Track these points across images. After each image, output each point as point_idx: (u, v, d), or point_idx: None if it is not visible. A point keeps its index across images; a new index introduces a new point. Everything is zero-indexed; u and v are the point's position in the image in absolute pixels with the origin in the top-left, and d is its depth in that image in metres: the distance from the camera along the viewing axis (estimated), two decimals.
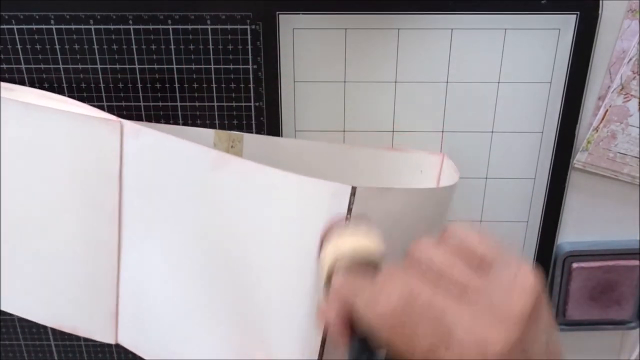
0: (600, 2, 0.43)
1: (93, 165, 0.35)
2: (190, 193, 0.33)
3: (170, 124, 0.47)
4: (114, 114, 0.47)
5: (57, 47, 0.45)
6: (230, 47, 0.45)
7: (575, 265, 0.51)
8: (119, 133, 0.35)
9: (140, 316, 0.38)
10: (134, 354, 0.57)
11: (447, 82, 0.46)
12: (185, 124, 0.47)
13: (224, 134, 0.45)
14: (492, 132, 0.47)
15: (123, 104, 0.46)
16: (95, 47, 0.45)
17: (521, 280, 0.22)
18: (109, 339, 0.39)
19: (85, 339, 0.57)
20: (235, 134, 0.45)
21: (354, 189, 0.28)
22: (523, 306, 0.21)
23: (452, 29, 0.44)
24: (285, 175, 0.30)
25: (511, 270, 0.23)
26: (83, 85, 0.46)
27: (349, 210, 0.28)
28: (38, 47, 0.45)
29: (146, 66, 0.45)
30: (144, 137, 0.34)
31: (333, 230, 0.29)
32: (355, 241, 0.27)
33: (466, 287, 0.23)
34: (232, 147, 0.45)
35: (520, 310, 0.21)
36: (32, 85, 0.46)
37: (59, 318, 0.39)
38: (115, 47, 0.45)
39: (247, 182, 0.31)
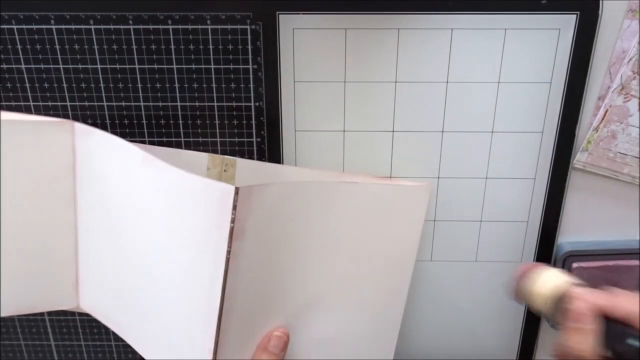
0: (600, 2, 0.43)
1: (51, 160, 0.41)
2: (122, 183, 0.39)
3: (170, 123, 0.47)
4: (114, 113, 0.47)
5: (57, 47, 0.45)
6: (230, 47, 0.45)
7: (575, 265, 0.51)
8: (71, 132, 0.41)
9: (94, 283, 0.44)
10: (133, 354, 0.57)
11: (447, 82, 0.46)
12: (185, 124, 0.47)
13: (218, 158, 0.46)
14: (492, 132, 0.47)
15: (123, 104, 0.47)
16: (95, 47, 0.45)
17: None
18: (72, 305, 0.45)
19: (85, 339, 0.57)
20: (228, 158, 0.46)
21: (237, 189, 0.31)
22: None
23: (452, 29, 0.44)
24: (186, 175, 0.34)
25: None
26: (83, 85, 0.46)
27: (234, 207, 0.31)
28: (38, 47, 0.45)
29: (146, 66, 0.45)
30: (94, 137, 0.40)
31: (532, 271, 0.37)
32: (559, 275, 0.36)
33: None
34: (225, 170, 0.46)
35: None
36: (32, 85, 0.46)
37: (18, 303, 0.44)
38: (115, 47, 0.45)
39: (161, 179, 0.35)
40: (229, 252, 0.31)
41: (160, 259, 0.37)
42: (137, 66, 0.45)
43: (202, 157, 0.46)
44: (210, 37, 0.44)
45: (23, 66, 0.45)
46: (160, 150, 0.46)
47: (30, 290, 0.45)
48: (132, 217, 0.38)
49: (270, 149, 0.48)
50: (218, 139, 0.48)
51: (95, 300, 0.45)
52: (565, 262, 0.51)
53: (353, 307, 0.41)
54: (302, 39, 0.44)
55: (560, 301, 0.34)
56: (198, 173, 0.45)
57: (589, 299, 0.33)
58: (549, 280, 0.35)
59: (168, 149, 0.46)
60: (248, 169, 0.47)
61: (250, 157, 0.49)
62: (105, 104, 0.47)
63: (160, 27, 0.44)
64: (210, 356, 0.33)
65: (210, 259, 0.33)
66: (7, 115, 0.41)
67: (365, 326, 0.42)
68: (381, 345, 0.45)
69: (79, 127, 0.41)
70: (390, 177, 0.49)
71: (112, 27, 0.44)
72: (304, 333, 0.39)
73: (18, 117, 0.42)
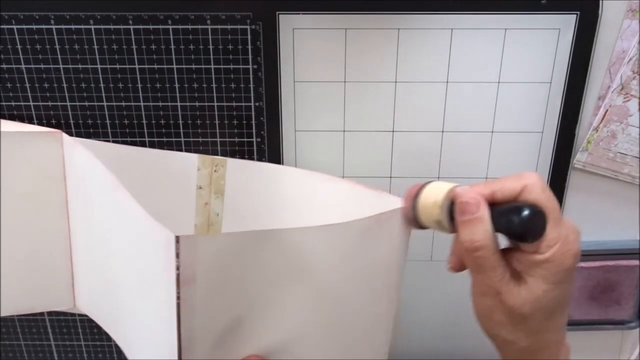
0: (600, 2, 0.43)
1: (43, 170, 0.43)
2: (100, 199, 0.40)
3: (170, 124, 0.47)
4: (114, 113, 0.47)
5: (57, 47, 0.45)
6: (230, 47, 0.45)
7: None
8: (60, 141, 0.42)
9: (87, 285, 0.45)
10: None
11: (447, 82, 0.46)
12: (185, 124, 0.47)
13: (208, 158, 0.46)
14: (492, 132, 0.47)
15: (123, 104, 0.47)
16: (95, 47, 0.45)
17: None
18: (69, 306, 0.46)
19: (85, 339, 0.57)
20: (218, 158, 0.46)
21: (177, 238, 0.30)
22: None
23: (452, 29, 0.44)
24: (141, 213, 0.33)
25: None
26: (83, 85, 0.46)
27: (177, 255, 0.30)
28: (38, 47, 0.45)
29: (146, 66, 0.45)
30: (77, 149, 0.41)
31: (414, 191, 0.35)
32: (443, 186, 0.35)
33: None
34: (215, 171, 0.46)
35: None
36: (32, 85, 0.46)
37: (16, 304, 0.46)
38: (115, 47, 0.45)
39: (125, 209, 0.35)
40: (178, 298, 0.31)
41: (129, 284, 0.38)
42: (137, 66, 0.45)
43: (192, 159, 0.46)
44: (210, 37, 0.44)
45: (23, 66, 0.45)
46: (150, 153, 0.46)
47: (29, 292, 0.46)
48: (108, 234, 0.39)
49: (270, 149, 0.48)
50: (218, 139, 0.48)
51: (89, 300, 0.46)
52: None
53: (334, 342, 0.40)
54: (302, 39, 0.44)
55: (449, 203, 0.34)
56: (188, 175, 0.45)
57: (474, 190, 0.32)
58: (435, 189, 0.34)
59: (158, 152, 0.46)
60: (239, 168, 0.46)
61: (250, 157, 0.49)
62: (105, 104, 0.47)
63: (160, 27, 0.44)
64: None
65: (165, 299, 0.32)
66: None
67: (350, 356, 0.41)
68: None
69: (66, 138, 0.42)
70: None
71: (112, 27, 0.44)
72: None
73: (9, 128, 0.43)
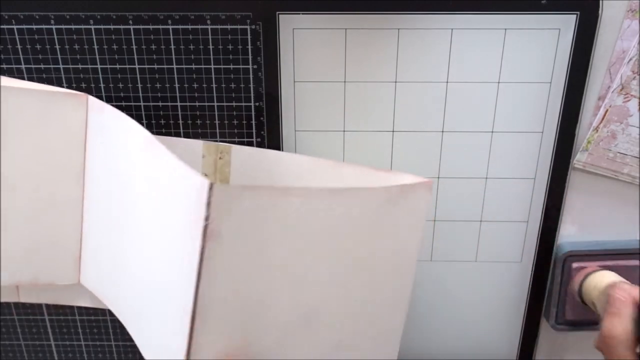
0: (600, 2, 0.43)
1: (64, 132, 0.41)
2: (125, 163, 0.38)
3: (170, 123, 0.47)
4: None
5: (57, 47, 0.45)
6: (230, 47, 0.45)
7: (575, 265, 0.51)
8: (85, 106, 0.41)
9: (95, 259, 0.44)
10: (134, 354, 0.57)
11: (447, 82, 0.46)
12: (185, 124, 0.47)
13: (213, 145, 0.46)
14: (492, 132, 0.47)
15: (123, 104, 0.47)
16: (95, 47, 0.45)
17: None
18: (73, 280, 0.45)
19: (85, 339, 0.57)
20: (223, 145, 0.46)
21: (211, 184, 0.28)
22: None
23: (452, 29, 0.44)
24: (175, 162, 0.32)
25: None
26: (83, 85, 0.46)
27: (208, 203, 0.29)
28: (38, 47, 0.45)
29: (146, 66, 0.45)
30: (105, 113, 0.39)
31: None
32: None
33: None
34: (220, 158, 0.46)
35: None
36: None
37: (19, 273, 0.44)
38: (115, 47, 0.45)
39: (155, 164, 0.34)
40: (202, 252, 0.29)
41: (147, 247, 0.36)
42: (137, 66, 0.45)
43: (196, 146, 0.46)
44: (210, 37, 0.44)
45: (23, 66, 0.45)
46: (159, 139, 0.45)
47: (33, 261, 0.44)
48: (130, 199, 0.38)
49: (270, 149, 0.48)
50: (218, 139, 0.48)
51: (95, 277, 0.44)
52: (565, 262, 0.51)
53: (354, 315, 0.39)
54: (302, 39, 0.44)
55: (607, 291, 0.41)
56: (193, 162, 0.43)
57: (629, 290, 0.38)
58: (601, 276, 0.45)
59: (162, 138, 0.45)
60: (245, 156, 0.46)
61: None
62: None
63: (160, 27, 0.44)
64: (184, 356, 0.32)
65: (186, 256, 0.31)
66: (22, 84, 0.41)
67: (367, 332, 0.41)
68: (384, 350, 0.44)
69: (92, 101, 0.40)
70: (391, 169, 0.49)
71: (112, 27, 0.44)
72: (304, 347, 0.38)
73: (34, 86, 0.41)
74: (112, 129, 0.39)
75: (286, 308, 0.35)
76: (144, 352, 0.38)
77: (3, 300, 0.46)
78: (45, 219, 0.43)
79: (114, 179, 0.40)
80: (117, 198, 0.39)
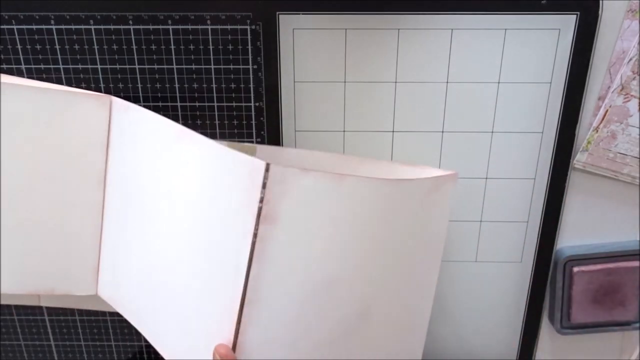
0: (600, 2, 0.43)
1: (86, 135, 0.39)
2: (153, 162, 0.37)
3: None
4: None
5: (57, 47, 0.45)
6: (230, 47, 0.45)
7: (576, 269, 0.50)
8: (108, 107, 0.39)
9: (115, 270, 0.41)
10: (134, 354, 0.57)
11: (447, 82, 0.46)
12: (185, 124, 0.47)
13: (237, 146, 0.45)
14: (492, 132, 0.47)
15: None
16: (95, 47, 0.45)
17: None
18: (90, 291, 0.42)
19: (85, 339, 0.57)
20: (247, 145, 0.45)
21: (267, 165, 0.28)
22: None
23: (452, 29, 0.44)
24: (218, 148, 0.31)
25: None
26: (83, 85, 0.46)
27: (263, 185, 0.28)
28: (38, 47, 0.45)
29: (146, 66, 0.45)
30: (130, 112, 0.38)
31: None
32: None
33: None
34: None
35: None
36: None
37: (36, 282, 0.42)
38: (115, 47, 0.45)
39: (193, 154, 0.33)
40: (255, 236, 0.28)
41: (186, 242, 0.34)
42: (137, 66, 0.45)
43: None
44: (210, 37, 0.44)
45: (23, 66, 0.45)
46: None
47: (50, 271, 0.42)
48: (160, 199, 0.36)
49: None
50: (218, 139, 0.48)
51: (115, 288, 0.42)
52: (565, 267, 0.51)
53: (391, 309, 0.38)
54: (302, 39, 0.44)
55: None
56: None
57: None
58: None
59: None
60: (267, 154, 0.45)
61: None
62: None
63: (160, 27, 0.44)
64: (231, 342, 0.31)
65: (236, 242, 0.30)
66: (44, 85, 0.40)
67: (397, 326, 0.40)
68: (411, 342, 0.42)
69: (117, 102, 0.39)
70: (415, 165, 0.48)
71: (112, 27, 0.44)
72: (353, 351, 0.37)
73: (55, 87, 0.40)
74: (139, 126, 0.38)
75: (344, 303, 0.34)
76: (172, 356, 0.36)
77: (25, 304, 0.44)
78: (64, 226, 0.41)
79: (138, 184, 0.38)
80: (142, 206, 0.38)
